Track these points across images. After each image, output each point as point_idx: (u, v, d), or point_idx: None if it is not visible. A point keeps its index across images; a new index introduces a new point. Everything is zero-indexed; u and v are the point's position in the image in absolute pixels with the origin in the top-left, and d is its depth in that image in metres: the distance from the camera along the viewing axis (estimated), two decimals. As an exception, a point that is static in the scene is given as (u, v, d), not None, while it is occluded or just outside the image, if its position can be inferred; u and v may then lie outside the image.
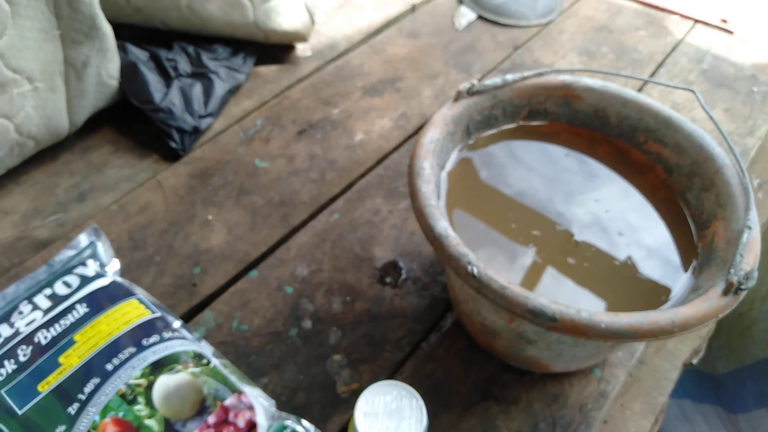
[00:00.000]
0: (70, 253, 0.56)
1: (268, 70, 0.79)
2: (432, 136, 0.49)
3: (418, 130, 0.74)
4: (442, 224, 0.43)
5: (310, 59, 0.82)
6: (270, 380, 0.52)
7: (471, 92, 0.52)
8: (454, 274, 0.43)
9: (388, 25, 0.90)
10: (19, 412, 0.44)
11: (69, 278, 0.53)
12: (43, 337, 0.48)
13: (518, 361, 0.53)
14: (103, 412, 0.44)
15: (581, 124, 0.56)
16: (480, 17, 0.92)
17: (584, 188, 0.53)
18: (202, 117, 0.69)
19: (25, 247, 0.60)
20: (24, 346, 0.48)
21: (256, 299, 0.57)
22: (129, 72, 0.67)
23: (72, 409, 0.44)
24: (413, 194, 0.45)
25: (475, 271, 0.40)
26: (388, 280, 0.59)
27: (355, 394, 0.52)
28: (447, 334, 0.56)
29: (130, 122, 0.71)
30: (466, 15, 0.92)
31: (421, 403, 0.42)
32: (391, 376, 0.53)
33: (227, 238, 0.62)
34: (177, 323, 0.52)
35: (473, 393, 0.53)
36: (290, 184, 0.67)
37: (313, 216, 0.64)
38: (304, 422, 0.48)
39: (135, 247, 0.60)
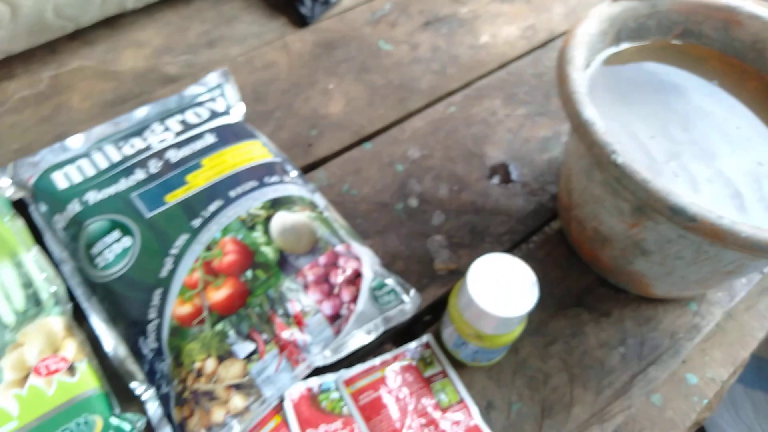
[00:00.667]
0: (200, 89, 0.58)
1: (402, -41, 0.78)
2: (587, 28, 0.48)
3: (545, 44, 0.72)
4: (589, 111, 0.42)
5: (445, -43, 0.80)
6: (373, 244, 0.53)
7: (633, -6, 0.50)
8: (595, 164, 0.43)
9: (526, -62, 0.88)
10: (147, 216, 0.47)
11: (199, 110, 0.55)
12: (173, 156, 0.51)
13: (619, 277, 0.52)
14: (224, 231, 0.47)
15: (735, 53, 0.54)
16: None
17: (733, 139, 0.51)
18: (336, -11, 0.69)
19: (155, 79, 0.62)
20: (155, 160, 0.50)
21: (367, 169, 0.58)
22: (275, -71, 0.67)
23: (195, 222, 0.47)
24: (562, 79, 0.45)
25: (619, 159, 0.40)
26: (496, 178, 0.59)
27: (452, 274, 0.53)
28: (548, 240, 0.56)
29: (265, -17, 0.71)
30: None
31: (534, 279, 0.42)
32: (488, 266, 0.54)
33: (345, 109, 0.62)
34: (294, 172, 0.54)
35: (566, 297, 0.53)
36: (411, 70, 0.67)
37: (430, 105, 0.64)
38: (403, 283, 0.50)
39: (257, 100, 0.61)
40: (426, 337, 0.49)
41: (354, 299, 0.47)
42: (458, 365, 0.48)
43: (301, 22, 0.68)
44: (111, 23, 0.64)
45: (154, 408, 0.43)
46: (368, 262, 0.49)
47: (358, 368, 0.47)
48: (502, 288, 0.42)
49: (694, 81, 0.53)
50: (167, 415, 0.42)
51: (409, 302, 0.49)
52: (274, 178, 0.51)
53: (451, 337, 0.47)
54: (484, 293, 0.41)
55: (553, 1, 0.77)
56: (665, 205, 0.39)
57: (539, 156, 0.62)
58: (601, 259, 0.52)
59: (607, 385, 0.49)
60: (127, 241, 0.46)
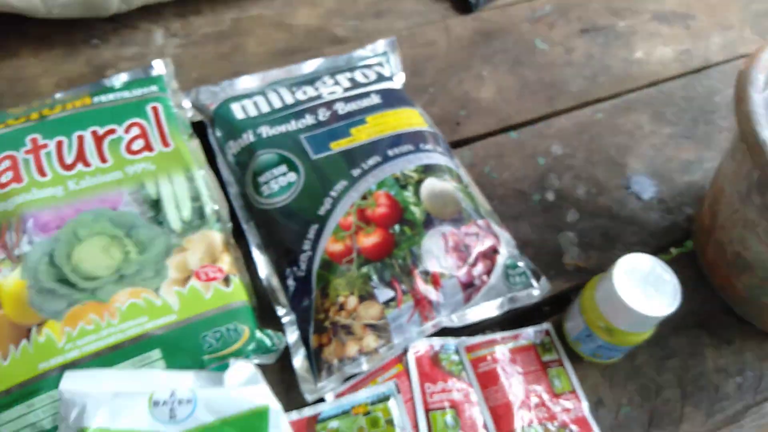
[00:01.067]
0: (368, 53, 0.61)
1: (567, -35, 0.80)
2: (773, 53, 0.48)
3: (699, 70, 0.71)
4: (767, 132, 0.43)
5: (610, -31, 0.81)
6: (506, 227, 0.55)
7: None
8: (762, 186, 0.43)
9: (692, -36, 0.87)
10: (312, 157, 0.50)
11: (367, 71, 0.58)
12: (340, 108, 0.54)
13: (750, 307, 0.52)
14: (379, 185, 0.49)
15: None
16: (789, -11, 0.86)
17: None
18: (503, -17, 0.71)
19: (323, 38, 0.66)
20: (324, 109, 0.54)
21: (510, 156, 0.60)
22: None
23: (355, 172, 0.50)
24: (741, 99, 0.45)
25: (796, 182, 0.40)
26: (634, 190, 0.60)
27: (579, 271, 0.54)
28: (677, 259, 0.56)
29: (436, -34, 0.74)
30: (775, -17, 0.86)
31: (678, 285, 0.43)
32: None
33: (495, 97, 0.64)
34: (444, 145, 0.56)
35: (689, 317, 0.53)
36: (562, 72, 0.68)
37: (577, 107, 0.65)
38: (535, 268, 0.51)
39: (414, 73, 0.64)
40: (546, 325, 0.51)
41: (488, 272, 0.49)
42: (574, 358, 0.49)
43: (464, 8, 0.71)
44: (292, -20, 0.68)
45: (292, 331, 0.46)
46: (505, 241, 0.51)
47: (479, 338, 0.49)
48: (645, 287, 0.43)
49: None
50: (304, 339, 0.45)
51: (537, 288, 0.50)
52: (428, 146, 0.53)
53: (575, 328, 0.48)
54: (628, 288, 0.42)
55: (711, 31, 0.76)
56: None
57: (680, 177, 0.61)
58: (736, 286, 0.52)
59: (720, 410, 0.49)
60: (292, 176, 0.49)
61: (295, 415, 0.43)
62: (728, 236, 0.51)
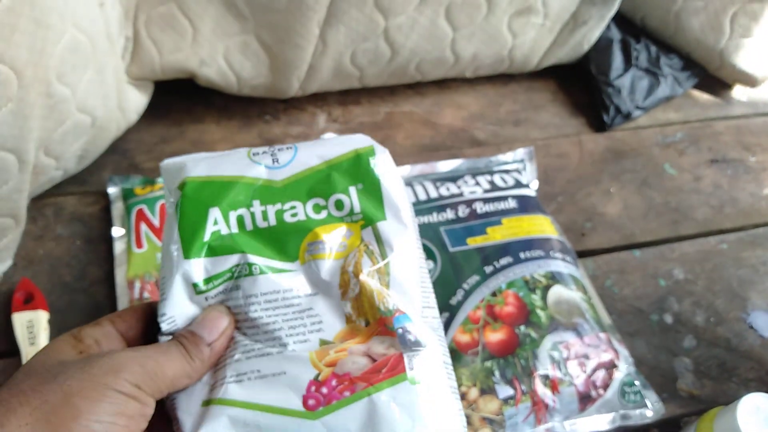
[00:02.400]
0: (506, 159, 0.66)
1: (701, 95, 0.83)
2: None
3: (830, 214, 0.72)
4: None
5: (743, 104, 0.83)
6: (623, 342, 0.57)
7: None
8: None
9: (828, 107, 0.88)
10: (450, 250, 0.55)
11: (506, 176, 0.63)
12: (479, 207, 0.59)
13: None
14: (509, 285, 0.53)
15: None
16: None
17: None
18: (637, 107, 0.75)
19: (465, 139, 0.72)
20: (464, 206, 0.58)
21: (631, 273, 0.62)
22: (603, 45, 0.75)
23: (487, 269, 0.54)
24: None
25: None
26: (754, 325, 0.60)
27: (693, 399, 0.54)
28: (795, 403, 0.56)
29: (574, 83, 0.80)
30: None
31: (805, 433, 0.43)
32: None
33: (621, 213, 0.67)
34: (571, 254, 0.59)
35: (805, 467, 0.52)
36: (689, 198, 0.70)
37: (701, 235, 0.67)
38: (651, 391, 0.52)
39: (545, 182, 0.69)
40: (655, 448, 0.51)
41: (605, 386, 0.51)
42: (682, 486, 0.49)
43: (598, 126, 0.75)
44: (442, 83, 0.75)
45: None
46: (623, 357, 0.53)
47: (588, 449, 0.50)
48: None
49: None
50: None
51: (651, 409, 0.51)
52: (558, 254, 0.57)
53: (688, 457, 0.48)
54: (752, 427, 0.43)
55: None
56: None
57: (803, 319, 0.61)
58: None
59: None
60: (430, 264, 0.54)
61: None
62: None
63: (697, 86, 0.83)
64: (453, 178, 0.62)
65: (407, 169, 0.63)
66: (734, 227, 0.69)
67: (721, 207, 0.70)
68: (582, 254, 0.63)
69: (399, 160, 0.67)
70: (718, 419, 0.46)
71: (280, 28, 0.59)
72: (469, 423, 0.47)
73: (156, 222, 0.54)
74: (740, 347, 0.59)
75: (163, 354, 0.30)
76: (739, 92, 0.85)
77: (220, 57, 0.60)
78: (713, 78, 0.84)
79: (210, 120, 0.68)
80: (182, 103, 0.69)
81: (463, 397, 0.48)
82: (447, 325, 0.51)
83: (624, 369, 0.52)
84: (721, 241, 0.67)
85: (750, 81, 0.81)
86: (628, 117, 0.75)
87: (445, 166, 0.65)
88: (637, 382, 0.52)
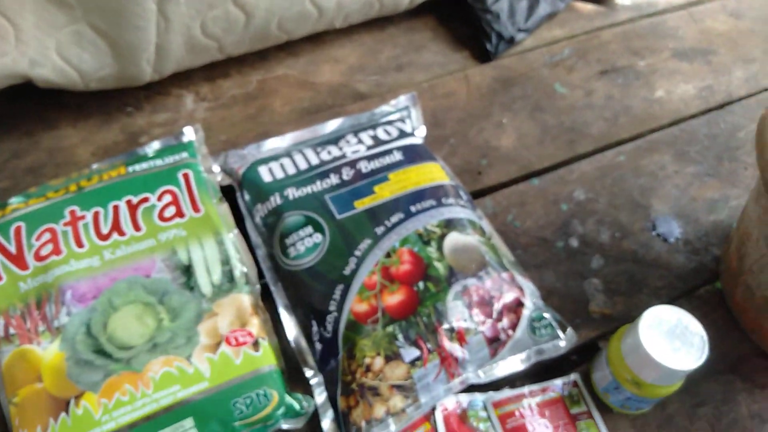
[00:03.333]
0: (390, 109, 0.63)
1: (584, 6, 0.80)
2: (792, 99, 0.48)
3: (722, 106, 0.71)
4: (789, 181, 0.42)
5: (627, 9, 0.81)
6: (530, 277, 0.55)
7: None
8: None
9: (711, -3, 0.87)
10: (338, 217, 0.52)
11: (389, 128, 0.59)
12: (363, 166, 0.55)
13: (782, 351, 0.51)
14: (403, 242, 0.51)
15: None
16: (813, 16, 0.85)
17: None
18: (520, 30, 0.72)
19: (347, 94, 0.68)
20: (348, 168, 0.55)
21: (531, 204, 0.61)
22: (472, -31, 0.72)
23: (378, 230, 0.51)
24: (763, 146, 0.45)
25: (818, 233, 0.40)
26: (659, 232, 0.60)
27: (605, 319, 0.54)
28: (706, 302, 0.56)
29: (453, 17, 0.76)
30: (798, 10, 0.85)
31: (704, 335, 0.43)
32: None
33: (516, 144, 0.65)
34: (465, 197, 0.57)
35: (720, 362, 0.52)
36: (583, 115, 0.69)
37: (599, 150, 0.66)
38: (561, 319, 0.52)
39: (435, 125, 0.66)
40: (574, 376, 0.51)
41: (513, 326, 0.49)
42: (604, 409, 0.49)
43: (483, 57, 0.72)
44: (315, 39, 0.71)
45: (320, 393, 0.47)
46: (529, 293, 0.52)
47: (507, 393, 0.49)
48: (672, 340, 0.43)
49: None
50: (332, 401, 0.46)
51: (564, 339, 0.50)
52: (450, 200, 0.54)
53: (603, 380, 0.48)
54: (653, 341, 0.42)
55: (733, 65, 0.76)
56: None
57: (705, 216, 0.61)
58: (764, 327, 0.51)
59: (756, 459, 0.48)
60: (318, 237, 0.51)
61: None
62: (757, 280, 0.50)
63: (579, -3, 0.81)
64: (334, 140, 0.58)
65: (284, 139, 0.59)
66: (630, 136, 0.68)
67: (615, 118, 0.69)
68: (481, 193, 0.61)
69: (279, 129, 0.63)
70: (625, 338, 0.46)
71: (111, 10, 0.53)
72: (378, 394, 0.45)
73: (12, 249, 0.49)
74: (647, 257, 0.58)
75: None
76: (622, -4, 0.84)
77: (52, 53, 0.54)
78: (594, -14, 0.82)
79: (65, 123, 0.62)
80: (31, 110, 0.63)
81: (368, 368, 0.46)
82: (343, 297, 0.48)
83: (531, 305, 0.51)
84: (618, 153, 0.66)
85: (629, -17, 0.79)
86: (511, 42, 0.72)
87: (328, 128, 0.61)
88: (546, 315, 0.51)
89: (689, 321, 0.44)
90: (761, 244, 0.48)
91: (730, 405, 0.50)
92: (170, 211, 0.52)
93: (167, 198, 0.53)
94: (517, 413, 0.48)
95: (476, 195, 0.61)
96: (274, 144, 0.59)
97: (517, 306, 0.50)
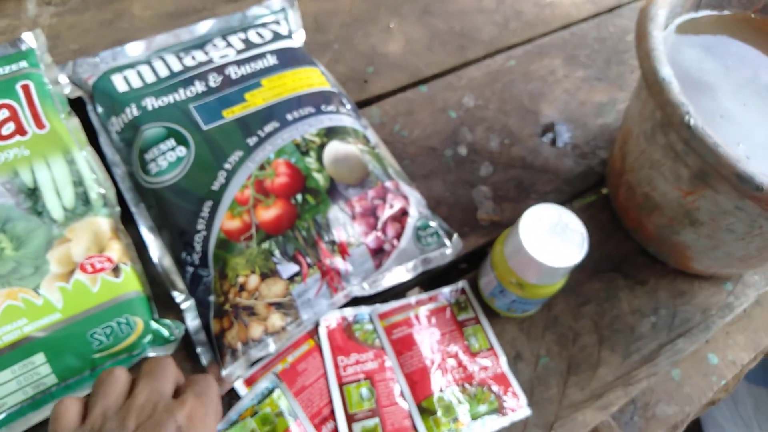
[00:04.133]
0: (264, 11, 0.57)
1: None
2: (672, -12, 0.46)
3: (612, 9, 0.70)
4: (667, 70, 0.41)
5: None
6: (418, 186, 0.53)
7: (721, -41, 0.48)
8: (663, 125, 0.42)
9: None
10: (204, 128, 0.47)
11: (262, 30, 0.54)
12: (233, 72, 0.50)
13: (661, 247, 0.52)
14: (278, 153, 0.47)
15: (814, 34, 0.52)
16: None
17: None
18: (406, -73, 0.67)
19: (217, -4, 0.61)
20: (215, 74, 0.50)
21: (419, 112, 0.58)
22: None
23: (251, 141, 0.47)
24: (642, 36, 0.44)
25: (692, 121, 0.39)
26: (548, 137, 0.59)
27: (494, 226, 0.53)
28: (592, 204, 0.56)
29: None
30: None
31: (585, 233, 0.42)
32: (530, 222, 0.54)
33: (404, 50, 0.62)
34: (349, 105, 0.53)
35: (604, 262, 0.53)
36: (474, 19, 0.66)
37: (489, 56, 0.63)
38: (447, 227, 0.50)
39: (317, 30, 0.61)
40: (462, 283, 0.50)
41: (398, 236, 0.47)
42: (491, 314, 0.49)
43: (367, -44, 0.67)
44: (178, -66, 0.63)
45: (192, 317, 0.44)
46: (414, 201, 0.49)
47: (393, 304, 0.47)
48: (552, 238, 0.42)
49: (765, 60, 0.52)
50: (205, 325, 0.43)
51: (450, 247, 0.49)
52: (331, 108, 0.51)
53: (489, 285, 0.47)
54: (534, 241, 0.41)
55: (624, -33, 0.75)
56: (733, 171, 0.38)
57: (593, 120, 0.61)
58: (646, 226, 0.52)
59: (635, 350, 0.49)
60: (181, 151, 0.46)
61: None
62: (637, 178, 0.50)
63: None
64: (200, 44, 0.52)
65: (144, 46, 0.53)
66: (520, 41, 0.65)
67: (506, 23, 0.66)
68: (368, 102, 0.58)
69: (138, 36, 0.56)
70: (507, 240, 0.44)
71: None
72: (254, 313, 0.42)
73: None
74: (536, 163, 0.57)
75: None
76: None
77: None
78: None
79: None
80: None
81: (242, 287, 0.42)
82: (212, 215, 0.44)
83: (416, 213, 0.49)
84: (508, 57, 0.64)
85: None
86: (398, -60, 0.67)
87: (194, 32, 0.55)
88: (432, 223, 0.49)
89: (569, 219, 0.43)
90: (641, 140, 0.48)
91: (612, 302, 0.51)
92: (8, 128, 0.46)
93: (4, 113, 0.46)
94: (403, 323, 0.46)
95: (362, 104, 0.58)
96: (132, 51, 0.52)
97: (401, 215, 0.48)
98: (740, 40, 0.52)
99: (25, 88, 0.47)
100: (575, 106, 0.61)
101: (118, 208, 0.46)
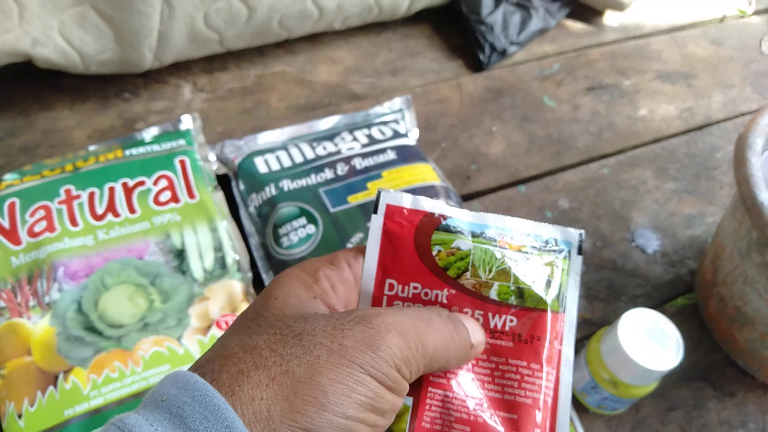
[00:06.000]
0: (385, 110, 0.64)
1: (574, 25, 0.83)
2: (769, 120, 0.50)
3: (701, 127, 0.74)
4: (765, 195, 0.45)
5: (615, 30, 0.85)
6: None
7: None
8: (759, 245, 0.45)
9: (694, 25, 0.90)
10: (331, 210, 0.53)
11: (384, 128, 0.61)
12: (358, 163, 0.57)
13: (751, 360, 0.53)
14: (394, 238, 0.52)
15: None
16: (788, 49, 0.89)
17: None
18: (512, 43, 0.75)
19: (342, 94, 0.69)
20: (342, 164, 0.57)
21: (518, 210, 0.63)
22: (470, -19, 0.74)
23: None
24: (740, 162, 0.47)
25: (791, 244, 0.42)
26: (638, 243, 0.62)
27: (585, 323, 0.56)
28: (680, 311, 0.58)
29: (448, 26, 0.78)
30: (775, 42, 0.89)
31: (680, 338, 0.45)
32: (619, 323, 0.56)
33: (504, 152, 0.67)
34: (455, 198, 0.59)
35: (692, 370, 0.54)
36: (569, 128, 0.71)
37: (583, 162, 0.68)
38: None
39: (428, 129, 0.67)
40: (553, 376, 0.52)
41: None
42: (580, 409, 0.51)
43: (476, 67, 0.74)
44: (313, 39, 0.72)
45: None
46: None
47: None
48: (648, 341, 0.45)
49: None
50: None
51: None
52: (441, 200, 0.56)
53: (581, 380, 0.49)
54: (632, 342, 0.44)
55: (713, 89, 0.79)
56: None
57: (682, 231, 0.64)
58: (737, 339, 0.53)
59: (724, 463, 0.50)
60: (311, 229, 0.52)
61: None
62: (729, 291, 0.52)
63: (569, 16, 0.84)
64: (330, 136, 0.60)
65: (280, 133, 0.60)
66: (614, 151, 0.70)
67: (600, 133, 0.72)
68: (469, 197, 0.63)
69: (274, 124, 0.64)
70: (604, 339, 0.47)
71: (117, -5, 0.54)
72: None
73: (5, 224, 0.49)
74: (626, 267, 0.60)
75: (425, 322, 0.24)
76: (609, 18, 0.87)
77: (55, 34, 0.55)
78: (584, 6, 0.85)
79: (62, 105, 0.63)
80: (27, 89, 0.63)
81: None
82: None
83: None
84: (602, 166, 0.68)
85: (617, 5, 0.82)
86: (503, 54, 0.74)
87: (324, 124, 0.62)
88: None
89: (665, 324, 0.46)
90: (734, 256, 0.51)
91: (700, 410, 0.53)
92: (165, 195, 0.53)
93: (163, 183, 0.54)
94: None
95: (465, 198, 0.63)
96: (270, 137, 0.60)
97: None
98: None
99: (182, 162, 0.55)
100: (665, 216, 0.65)
101: (250, 274, 0.52)
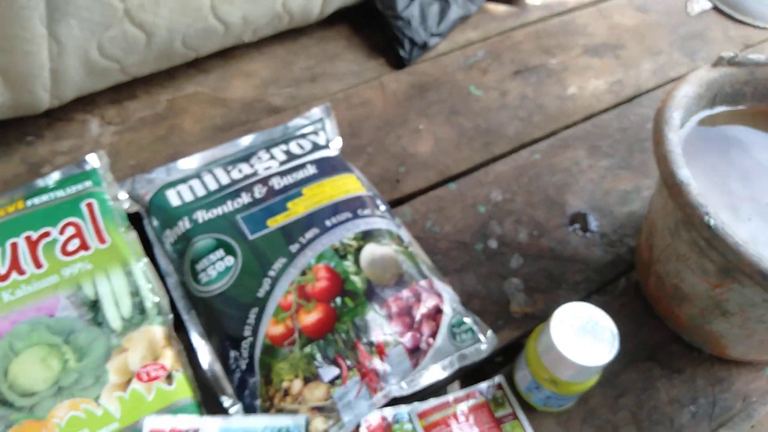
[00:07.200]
0: (304, 122, 0.62)
1: (496, 8, 0.82)
2: (686, 91, 0.49)
3: (632, 99, 0.73)
4: (684, 172, 0.44)
5: (538, 8, 0.83)
6: (451, 281, 0.55)
7: (731, 62, 0.51)
8: (684, 222, 0.44)
9: (618, -8, 0.89)
10: (250, 237, 0.51)
11: (303, 141, 0.59)
12: (276, 183, 0.54)
13: (695, 335, 0.53)
14: (318, 258, 0.50)
15: (830, 124, 0.54)
16: (715, 8, 0.88)
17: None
18: (432, 35, 0.73)
19: (260, 109, 0.67)
20: (260, 186, 0.54)
21: (450, 208, 0.61)
22: (380, -23, 0.71)
23: (293, 248, 0.50)
24: (659, 140, 0.46)
25: (712, 222, 0.41)
26: (575, 227, 0.61)
27: (527, 317, 0.55)
28: (623, 293, 0.57)
29: (366, 25, 0.76)
30: (701, 2, 0.88)
31: (616, 331, 0.44)
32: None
33: (433, 149, 0.65)
34: (383, 206, 0.57)
35: (639, 351, 0.54)
36: (498, 116, 0.70)
37: (514, 150, 0.67)
38: (481, 323, 0.52)
39: (352, 135, 0.65)
40: (498, 378, 0.51)
41: (433, 334, 0.49)
42: (528, 408, 0.49)
43: (398, 64, 0.72)
44: (224, 54, 0.69)
45: (241, 418, 0.46)
46: (448, 298, 0.52)
47: (432, 402, 0.49)
48: (583, 337, 0.43)
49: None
50: (253, 426, 0.45)
51: (485, 343, 0.51)
52: (366, 211, 0.54)
53: (524, 380, 0.48)
54: (565, 340, 0.43)
55: (641, 58, 0.78)
56: (756, 269, 0.40)
57: (619, 208, 0.63)
58: (679, 316, 0.53)
59: (677, 444, 0.49)
60: (229, 260, 0.49)
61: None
62: (665, 269, 0.51)
63: (491, -1, 0.82)
64: (246, 157, 0.57)
65: (194, 160, 0.58)
66: (544, 135, 0.69)
67: (529, 117, 0.70)
68: (400, 201, 0.61)
69: (190, 150, 0.61)
70: (539, 338, 0.46)
71: (-3, 37, 0.51)
72: (299, 416, 0.44)
73: None
74: (564, 253, 0.59)
75: None
76: (531, -4, 0.85)
77: (-65, 85, 0.52)
78: (504, -13, 0.83)
79: (-41, 157, 0.59)
80: None
81: (286, 392, 0.45)
82: (258, 321, 0.47)
83: (450, 311, 0.51)
84: (533, 152, 0.67)
85: (536, -17, 0.80)
86: (425, 47, 0.72)
87: (239, 144, 0.60)
88: (466, 320, 0.51)
89: (599, 316, 0.45)
90: (665, 234, 0.50)
91: (649, 392, 0.52)
92: (74, 244, 0.50)
93: (70, 231, 0.51)
94: (442, 423, 0.48)
95: (395, 203, 0.61)
96: (183, 165, 0.57)
97: (436, 313, 0.50)
98: (761, 130, 0.54)
99: (89, 206, 0.52)
100: (600, 196, 0.63)
101: (170, 316, 0.49)
